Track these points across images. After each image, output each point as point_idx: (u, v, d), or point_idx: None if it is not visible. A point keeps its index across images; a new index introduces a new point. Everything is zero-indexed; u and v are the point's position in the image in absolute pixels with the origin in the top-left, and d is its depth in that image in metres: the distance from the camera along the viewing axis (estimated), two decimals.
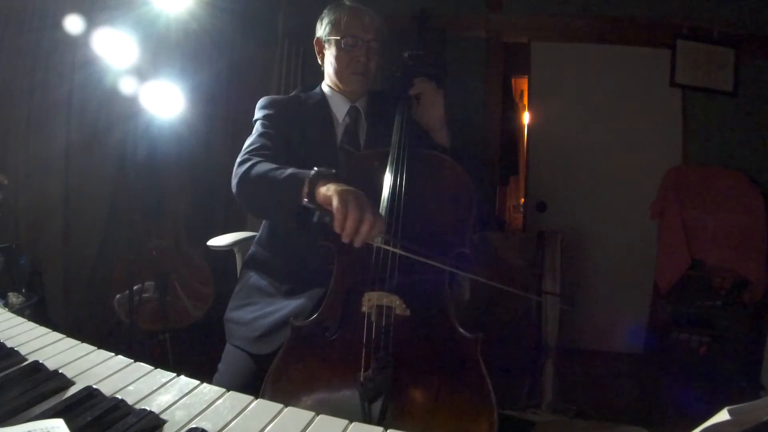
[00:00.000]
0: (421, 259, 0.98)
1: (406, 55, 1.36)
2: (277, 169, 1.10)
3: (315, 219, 1.06)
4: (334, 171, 1.04)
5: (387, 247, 1.01)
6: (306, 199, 1.01)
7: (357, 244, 0.96)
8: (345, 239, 0.96)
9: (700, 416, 0.53)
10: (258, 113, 1.35)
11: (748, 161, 2.59)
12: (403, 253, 0.99)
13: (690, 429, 0.51)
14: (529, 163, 3.01)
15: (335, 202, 0.96)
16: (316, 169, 1.04)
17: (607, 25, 2.70)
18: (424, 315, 0.98)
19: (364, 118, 1.37)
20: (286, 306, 1.18)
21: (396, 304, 0.96)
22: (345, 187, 0.98)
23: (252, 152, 1.22)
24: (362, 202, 0.96)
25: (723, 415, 0.49)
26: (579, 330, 2.71)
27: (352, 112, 1.36)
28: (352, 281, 1.03)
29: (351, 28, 1.32)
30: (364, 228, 0.94)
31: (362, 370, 0.90)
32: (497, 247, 2.36)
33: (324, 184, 1.00)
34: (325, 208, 0.99)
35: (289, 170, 1.08)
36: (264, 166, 1.13)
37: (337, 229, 0.96)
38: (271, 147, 1.26)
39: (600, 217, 2.79)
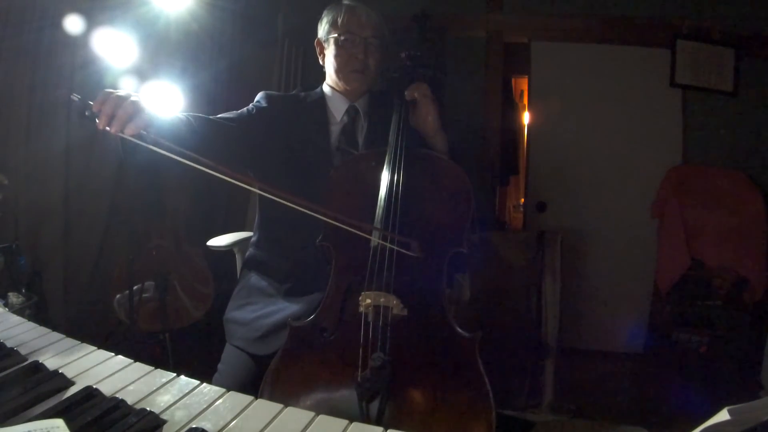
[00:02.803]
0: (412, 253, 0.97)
1: (403, 55, 1.36)
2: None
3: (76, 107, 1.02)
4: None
5: (384, 243, 1.00)
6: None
7: (113, 129, 0.94)
8: (99, 124, 0.95)
9: (700, 416, 0.53)
10: (253, 102, 1.37)
11: (748, 161, 2.60)
12: (396, 248, 0.99)
13: (690, 429, 0.51)
14: (529, 163, 3.01)
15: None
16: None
17: (607, 25, 2.70)
18: (421, 314, 0.98)
19: (363, 118, 1.37)
20: (287, 308, 1.18)
21: (393, 303, 0.96)
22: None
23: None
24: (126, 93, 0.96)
25: (723, 415, 0.49)
26: (579, 330, 2.71)
27: (351, 112, 1.36)
28: (350, 281, 1.03)
29: (348, 25, 1.32)
30: (115, 109, 0.94)
31: (360, 370, 0.90)
32: (497, 247, 2.36)
33: None
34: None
35: None
36: None
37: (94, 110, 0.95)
38: (225, 118, 1.26)
39: (600, 217, 2.79)
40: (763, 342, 2.24)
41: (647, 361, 2.65)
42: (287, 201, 0.96)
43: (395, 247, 0.99)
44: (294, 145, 1.29)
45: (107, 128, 0.94)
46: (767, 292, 2.36)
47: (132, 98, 0.96)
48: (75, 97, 0.98)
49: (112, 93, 0.98)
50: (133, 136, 0.94)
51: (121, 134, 0.94)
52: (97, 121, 0.95)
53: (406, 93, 1.25)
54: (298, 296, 1.20)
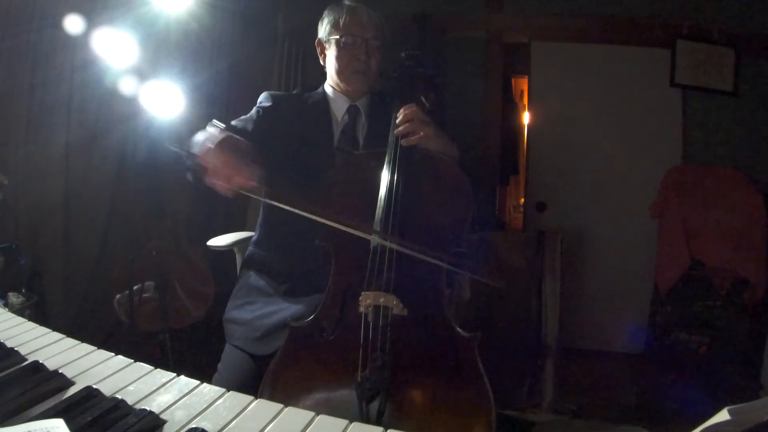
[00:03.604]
0: (415, 253, 0.97)
1: (403, 55, 1.36)
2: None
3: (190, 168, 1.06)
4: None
5: (382, 242, 1.00)
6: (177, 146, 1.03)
7: (223, 189, 0.97)
8: (207, 178, 0.97)
9: (700, 416, 0.53)
10: (257, 104, 1.38)
11: (748, 161, 2.60)
12: (396, 247, 0.99)
13: (690, 429, 0.51)
14: (529, 163, 3.01)
15: (206, 141, 0.99)
16: (223, 124, 1.09)
17: (607, 25, 2.70)
18: (421, 314, 0.98)
19: (364, 118, 1.38)
20: (287, 308, 1.18)
21: (393, 303, 0.96)
22: (227, 133, 1.02)
23: (227, 126, 1.24)
24: (233, 144, 0.99)
25: (723, 415, 0.49)
26: (579, 330, 2.71)
27: (352, 111, 1.37)
28: (349, 281, 1.03)
29: (350, 27, 1.32)
30: (227, 171, 0.96)
31: (359, 370, 0.90)
32: (497, 247, 2.36)
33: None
34: (193, 154, 1.00)
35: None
36: None
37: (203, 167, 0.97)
38: (241, 126, 1.30)
39: (600, 217, 2.79)
40: (763, 342, 2.24)
41: (647, 361, 2.65)
42: (296, 208, 0.97)
43: (395, 247, 0.99)
44: (296, 145, 1.30)
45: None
46: (767, 292, 2.36)
47: (230, 145, 1.00)
48: (174, 148, 1.02)
49: (209, 145, 1.00)
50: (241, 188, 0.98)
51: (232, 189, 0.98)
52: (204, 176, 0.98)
53: (396, 131, 1.17)
54: (296, 297, 1.20)
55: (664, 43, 2.65)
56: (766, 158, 2.58)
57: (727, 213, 2.46)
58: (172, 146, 1.03)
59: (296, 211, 0.98)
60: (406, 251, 0.98)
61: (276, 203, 0.99)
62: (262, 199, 1.00)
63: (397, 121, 1.18)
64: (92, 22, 1.97)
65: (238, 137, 1.07)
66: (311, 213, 0.98)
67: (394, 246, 0.99)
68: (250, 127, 1.31)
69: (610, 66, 2.74)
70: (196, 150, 1.01)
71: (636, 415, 2.15)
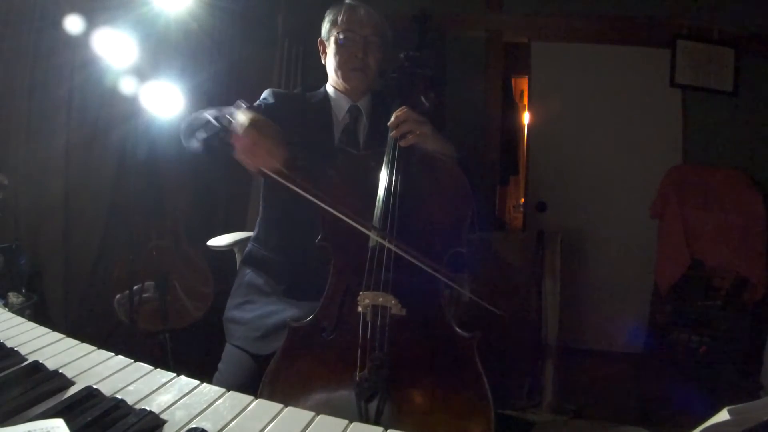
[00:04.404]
0: (409, 257, 0.97)
1: (402, 55, 1.35)
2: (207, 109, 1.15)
3: (217, 139, 1.08)
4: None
5: (381, 240, 1.00)
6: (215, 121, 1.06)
7: (251, 166, 1.01)
8: (238, 155, 1.01)
9: (700, 416, 0.53)
10: (261, 99, 1.39)
11: (748, 161, 2.59)
12: (393, 248, 0.99)
13: (690, 429, 0.51)
14: (529, 163, 3.01)
15: (239, 121, 1.03)
16: (246, 104, 1.12)
17: (607, 25, 2.70)
18: (420, 314, 0.98)
19: (365, 118, 1.38)
20: (287, 309, 1.18)
21: (391, 303, 0.96)
22: (254, 114, 1.05)
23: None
24: (263, 126, 1.03)
25: (723, 415, 0.49)
26: (579, 330, 2.71)
27: (353, 111, 1.37)
28: (349, 281, 1.03)
29: (348, 24, 1.33)
30: (257, 149, 1.00)
31: (358, 369, 0.90)
32: (497, 247, 2.36)
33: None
34: (228, 128, 1.04)
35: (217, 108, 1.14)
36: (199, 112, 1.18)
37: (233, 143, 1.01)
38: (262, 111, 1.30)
39: (600, 217, 2.79)
40: (763, 342, 2.24)
41: (647, 361, 2.65)
42: (309, 195, 0.99)
43: (392, 247, 0.99)
44: (299, 144, 1.30)
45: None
46: (767, 292, 2.36)
47: (265, 126, 1.05)
48: (214, 121, 1.06)
49: (247, 124, 1.04)
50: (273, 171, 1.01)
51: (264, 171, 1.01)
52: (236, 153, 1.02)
53: (391, 134, 1.17)
54: (294, 298, 1.20)
55: (664, 43, 2.65)
56: (766, 158, 2.58)
57: (727, 213, 2.46)
58: (211, 119, 1.06)
59: (309, 196, 1.00)
60: (402, 254, 0.97)
61: (299, 190, 1.01)
62: (286, 183, 1.02)
63: (389, 123, 1.18)
64: (92, 22, 1.97)
65: (269, 120, 1.09)
66: (322, 201, 1.00)
67: (392, 246, 0.98)
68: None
69: (610, 66, 2.74)
70: (232, 126, 1.04)
71: (636, 415, 2.15)
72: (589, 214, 2.79)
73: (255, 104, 1.35)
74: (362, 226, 1.00)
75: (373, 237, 1.01)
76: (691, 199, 2.50)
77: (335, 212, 0.99)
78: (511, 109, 3.47)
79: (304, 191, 1.00)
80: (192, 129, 1.16)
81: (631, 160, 2.73)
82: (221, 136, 1.04)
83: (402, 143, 1.14)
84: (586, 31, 2.73)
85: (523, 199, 3.35)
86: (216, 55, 2.58)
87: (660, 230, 2.62)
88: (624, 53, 2.72)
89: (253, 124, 1.04)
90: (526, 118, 3.68)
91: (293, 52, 2.66)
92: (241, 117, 1.05)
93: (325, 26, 1.38)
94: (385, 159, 1.14)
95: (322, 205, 1.00)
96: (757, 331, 2.34)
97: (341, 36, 1.32)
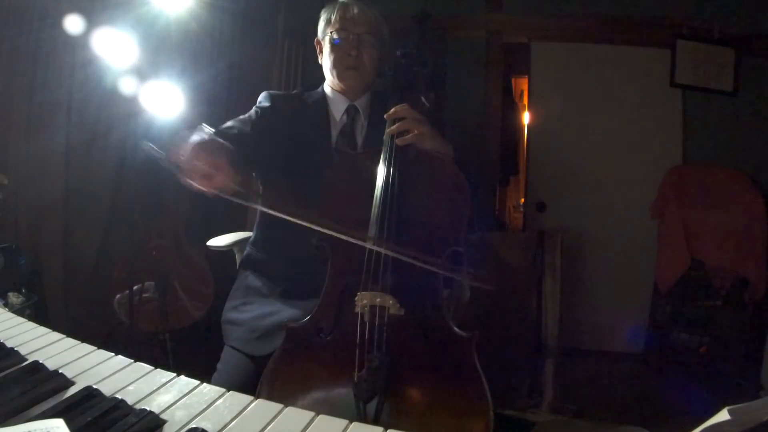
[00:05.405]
0: (407, 258, 0.96)
1: (398, 53, 1.35)
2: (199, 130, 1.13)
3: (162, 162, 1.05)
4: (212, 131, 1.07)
5: (376, 248, 0.99)
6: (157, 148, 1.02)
7: (204, 189, 0.97)
8: (183, 178, 0.97)
9: (700, 416, 0.53)
10: (256, 104, 1.37)
11: (748, 161, 2.59)
12: (390, 253, 0.97)
13: (690, 429, 0.51)
14: (529, 163, 3.01)
15: (186, 143, 1.00)
16: (211, 129, 1.08)
17: (607, 25, 2.70)
18: (418, 314, 0.97)
19: (363, 118, 1.37)
20: (284, 310, 1.18)
21: (389, 303, 0.95)
22: (208, 136, 1.04)
23: (217, 130, 1.23)
24: (213, 146, 1.00)
25: (723, 415, 0.49)
26: (579, 330, 2.71)
27: (350, 111, 1.36)
28: (346, 281, 1.02)
29: (341, 23, 1.33)
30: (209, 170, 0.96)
31: (356, 370, 0.90)
32: (497, 247, 2.36)
33: None
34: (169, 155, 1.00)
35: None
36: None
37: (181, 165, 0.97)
38: (239, 129, 1.29)
39: (600, 217, 2.79)
40: (763, 342, 2.24)
41: (647, 361, 2.65)
42: (282, 214, 0.97)
43: (390, 254, 0.98)
44: (296, 145, 1.30)
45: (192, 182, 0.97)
46: (767, 292, 2.36)
47: (208, 147, 1.00)
48: (147, 145, 1.01)
49: (185, 143, 1.01)
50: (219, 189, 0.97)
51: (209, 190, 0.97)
52: (179, 175, 0.98)
53: (389, 130, 1.16)
54: (293, 299, 1.20)
55: (664, 43, 2.65)
56: (766, 158, 2.58)
57: (727, 213, 2.46)
58: (146, 145, 1.02)
59: (284, 216, 0.97)
60: (400, 256, 0.96)
61: (260, 207, 1.00)
62: (245, 203, 1.00)
63: (386, 116, 1.17)
64: (92, 22, 1.97)
65: (219, 140, 1.07)
66: (301, 219, 0.97)
67: (389, 252, 0.97)
68: (248, 129, 1.30)
69: (610, 66, 2.74)
70: (172, 149, 1.02)
71: (636, 415, 2.15)
72: (589, 214, 2.79)
73: (233, 121, 1.32)
74: (357, 238, 0.98)
75: (370, 245, 1.00)
76: (691, 199, 2.50)
77: (324, 230, 0.98)
78: (511, 109, 3.47)
79: (270, 209, 0.99)
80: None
81: (631, 160, 2.73)
82: (164, 163, 1.02)
83: (399, 142, 1.13)
84: (586, 31, 2.73)
85: (523, 199, 3.35)
86: (216, 55, 2.58)
87: (660, 230, 2.62)
88: (624, 53, 2.72)
89: (193, 145, 1.02)
90: (526, 118, 3.68)
91: (293, 52, 2.66)
92: (182, 139, 1.04)
93: (321, 26, 1.38)
94: (381, 158, 1.13)
95: (308, 225, 0.98)
96: (757, 331, 2.34)
97: (335, 35, 1.32)
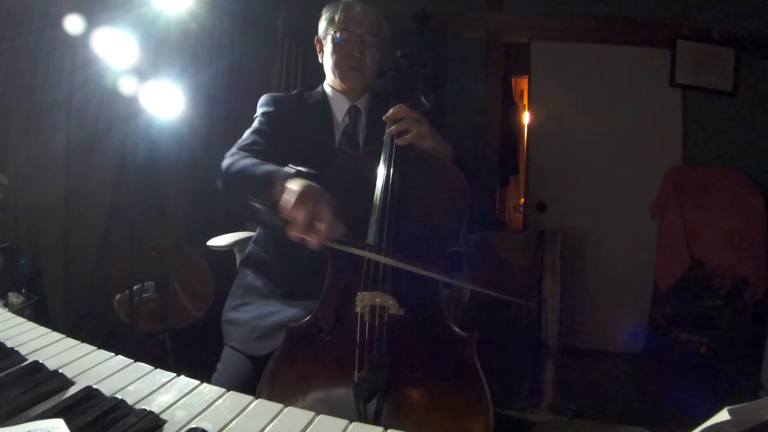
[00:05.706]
0: (405, 266, 0.95)
1: (398, 53, 1.34)
2: (258, 164, 1.10)
3: (263, 217, 1.01)
4: (313, 172, 1.02)
5: (374, 256, 0.98)
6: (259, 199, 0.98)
7: (312, 242, 0.93)
8: (293, 233, 0.93)
9: (700, 416, 0.52)
10: (259, 110, 1.36)
11: (748, 161, 2.59)
12: (389, 261, 0.97)
13: (690, 429, 0.51)
14: (529, 163, 3.01)
15: (287, 195, 0.93)
16: (295, 168, 1.02)
17: (607, 25, 2.70)
18: (418, 314, 0.97)
19: (364, 118, 1.37)
20: (284, 310, 1.17)
21: (389, 303, 0.95)
22: (305, 182, 0.97)
23: (242, 147, 1.23)
24: (317, 196, 0.94)
25: (723, 415, 0.49)
26: (579, 330, 2.71)
27: (352, 112, 1.36)
28: (346, 282, 1.02)
29: (344, 23, 1.32)
30: (315, 222, 0.92)
31: (356, 370, 0.89)
32: (497, 247, 2.36)
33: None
34: (276, 204, 0.95)
35: (268, 166, 1.07)
36: (247, 161, 1.13)
37: (288, 219, 0.93)
38: (263, 144, 1.26)
39: (600, 217, 2.79)
40: (763, 342, 2.24)
41: (647, 361, 2.65)
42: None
43: (390, 262, 0.97)
44: (300, 148, 1.29)
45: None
46: (767, 292, 2.36)
47: (311, 197, 0.94)
48: (256, 204, 0.97)
49: (285, 193, 0.95)
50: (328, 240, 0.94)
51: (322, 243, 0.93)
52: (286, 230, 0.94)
53: (388, 130, 1.15)
54: (293, 300, 1.20)
55: (664, 43, 2.65)
56: (766, 158, 2.58)
57: (727, 213, 2.46)
58: (253, 201, 0.98)
59: (364, 253, 0.96)
60: (400, 265, 0.95)
61: (360, 252, 0.95)
62: (345, 249, 0.95)
63: (384, 117, 1.17)
64: (92, 22, 1.97)
65: (317, 186, 0.98)
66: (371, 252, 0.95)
67: (388, 260, 0.96)
68: (267, 142, 1.28)
69: (610, 66, 2.74)
70: (280, 202, 0.95)
71: (636, 415, 2.15)
72: (589, 214, 2.79)
73: (250, 133, 1.29)
74: (357, 247, 0.97)
75: (370, 250, 1.00)
76: (691, 199, 2.51)
77: (352, 250, 0.95)
78: (511, 109, 3.47)
79: (362, 250, 0.96)
80: (236, 193, 1.11)
81: (631, 160, 2.73)
82: (265, 218, 0.97)
83: (399, 142, 1.13)
84: (586, 31, 2.73)
85: (523, 199, 3.35)
86: (216, 55, 2.58)
87: (660, 230, 2.62)
88: (624, 53, 2.72)
89: (302, 198, 0.93)
90: (526, 118, 3.68)
91: (293, 52, 2.66)
92: (288, 193, 0.95)
93: (322, 24, 1.38)
94: (381, 157, 1.13)
95: (361, 252, 0.96)
96: (757, 331, 2.34)
97: (338, 35, 1.32)
